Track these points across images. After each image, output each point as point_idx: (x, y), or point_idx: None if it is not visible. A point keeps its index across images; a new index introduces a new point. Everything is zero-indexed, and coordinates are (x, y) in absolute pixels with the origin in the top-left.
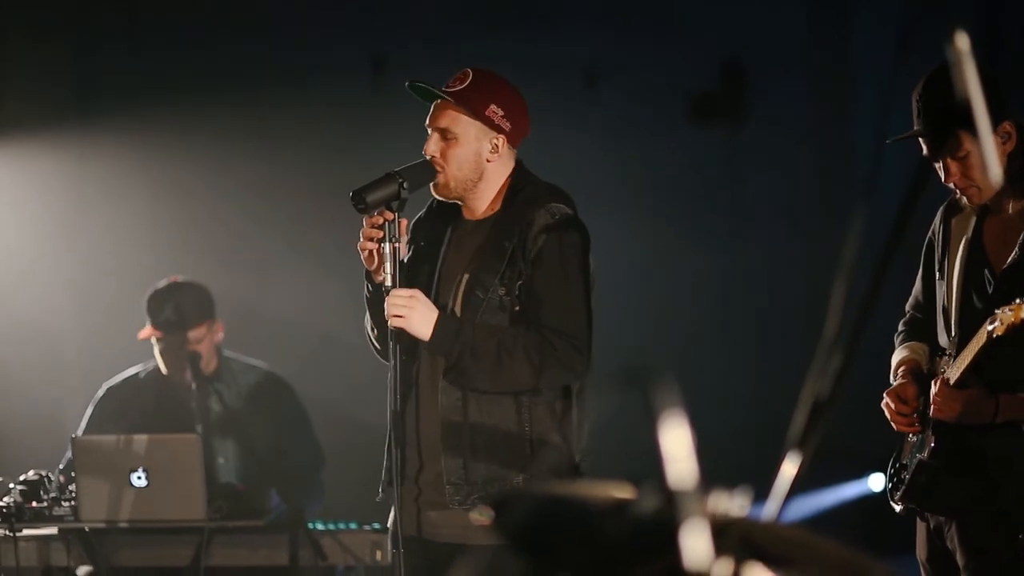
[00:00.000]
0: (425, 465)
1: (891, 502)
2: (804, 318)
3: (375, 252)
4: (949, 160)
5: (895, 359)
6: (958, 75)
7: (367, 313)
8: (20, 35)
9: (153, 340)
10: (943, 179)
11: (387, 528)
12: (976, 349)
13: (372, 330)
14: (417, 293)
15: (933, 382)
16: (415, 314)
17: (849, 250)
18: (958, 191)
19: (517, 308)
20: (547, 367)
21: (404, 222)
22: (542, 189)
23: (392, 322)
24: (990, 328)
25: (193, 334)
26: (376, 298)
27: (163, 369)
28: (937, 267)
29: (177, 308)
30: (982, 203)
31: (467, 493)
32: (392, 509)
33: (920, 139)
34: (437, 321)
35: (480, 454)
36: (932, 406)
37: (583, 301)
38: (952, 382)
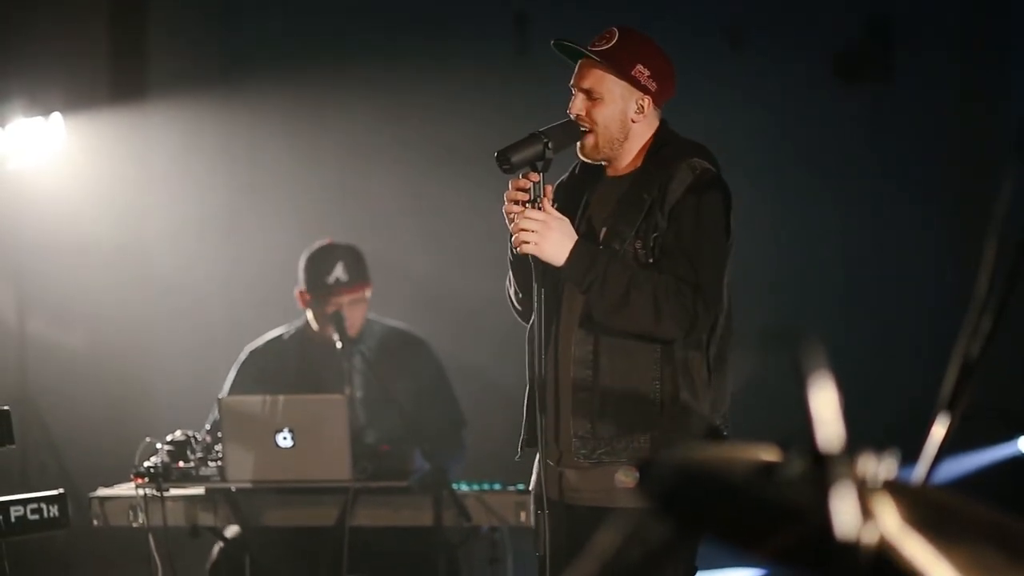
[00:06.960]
0: (563, 425)
1: None
2: (953, 280)
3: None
4: None
5: None
6: None
7: (509, 275)
8: None
9: (313, 300)
10: None
11: (530, 489)
12: None
13: (516, 293)
14: (550, 217)
15: None
16: (548, 238)
17: (1000, 209)
18: None
19: (651, 261)
20: (669, 313)
21: (549, 187)
22: (686, 145)
23: (522, 248)
24: None
25: (359, 294)
26: (520, 262)
27: (315, 327)
28: None
29: (348, 267)
30: None
31: (592, 447)
32: (534, 471)
33: None
34: (574, 246)
35: (608, 410)
36: None
37: (716, 257)
38: None
